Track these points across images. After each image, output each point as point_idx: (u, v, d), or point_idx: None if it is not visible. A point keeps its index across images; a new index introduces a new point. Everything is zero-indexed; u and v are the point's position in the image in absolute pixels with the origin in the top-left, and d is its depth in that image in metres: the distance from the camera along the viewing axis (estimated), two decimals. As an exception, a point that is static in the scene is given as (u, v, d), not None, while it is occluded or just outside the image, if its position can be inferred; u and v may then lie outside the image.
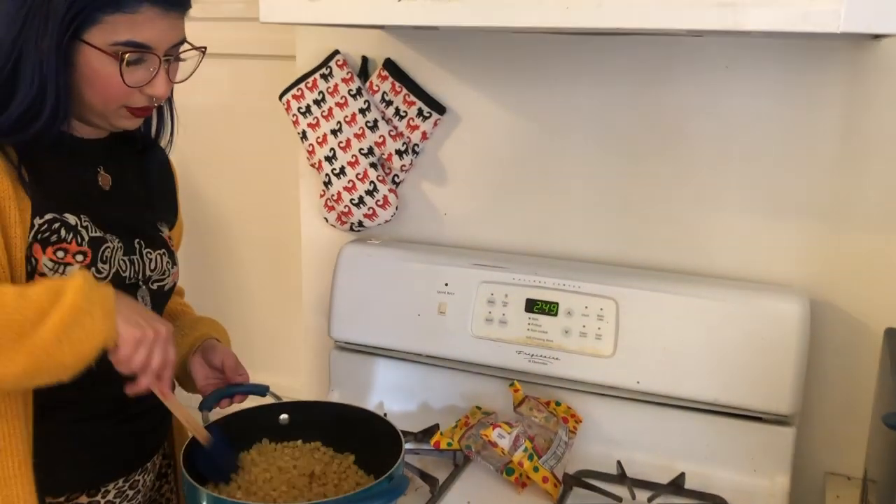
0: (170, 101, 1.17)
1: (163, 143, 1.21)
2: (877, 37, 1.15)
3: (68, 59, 0.98)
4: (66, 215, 1.03)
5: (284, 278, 1.88)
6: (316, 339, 1.65)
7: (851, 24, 0.81)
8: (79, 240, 1.03)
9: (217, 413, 1.16)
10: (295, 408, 1.20)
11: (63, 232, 1.02)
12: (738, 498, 1.21)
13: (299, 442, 1.20)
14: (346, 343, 1.53)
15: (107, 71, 0.99)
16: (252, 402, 1.21)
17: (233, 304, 1.94)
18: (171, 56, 1.04)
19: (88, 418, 1.10)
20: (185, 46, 1.06)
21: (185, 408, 1.07)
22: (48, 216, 1.01)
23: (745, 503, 1.21)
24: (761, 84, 1.28)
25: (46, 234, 1.01)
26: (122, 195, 1.14)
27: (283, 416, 1.20)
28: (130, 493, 1.17)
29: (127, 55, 0.98)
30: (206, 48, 1.08)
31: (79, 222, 1.04)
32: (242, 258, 1.96)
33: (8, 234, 0.98)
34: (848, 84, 1.23)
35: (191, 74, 1.10)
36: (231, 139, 1.90)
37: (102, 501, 1.13)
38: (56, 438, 1.06)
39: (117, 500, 1.15)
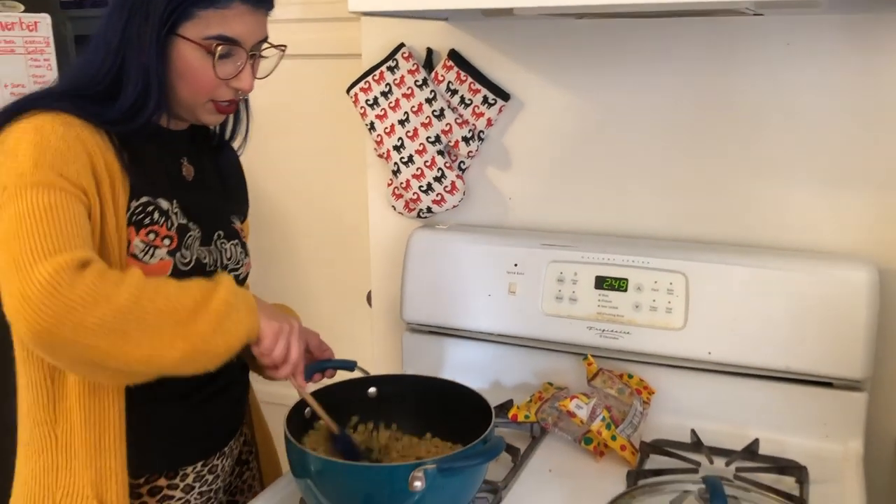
0: (246, 103, 1.23)
1: (236, 145, 1.27)
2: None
3: (164, 53, 1.04)
4: (160, 199, 1.09)
5: (347, 269, 1.93)
6: (386, 323, 1.71)
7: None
8: (168, 224, 1.09)
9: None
10: (382, 381, 1.25)
11: (156, 215, 1.07)
12: (812, 463, 1.24)
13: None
14: (417, 325, 1.58)
15: (199, 63, 1.05)
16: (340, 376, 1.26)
17: (298, 297, 2.00)
18: (256, 52, 1.10)
19: (166, 399, 1.12)
20: (265, 45, 1.12)
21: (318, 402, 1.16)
22: (143, 199, 1.07)
23: (819, 468, 1.23)
24: (823, 58, 1.31)
25: (140, 217, 1.06)
26: (202, 186, 1.19)
27: (372, 390, 1.25)
28: (210, 477, 1.20)
29: (219, 48, 1.04)
30: (285, 46, 1.14)
31: (171, 207, 1.09)
32: (306, 252, 2.02)
33: (118, 216, 1.04)
34: (910, 55, 1.27)
35: (271, 71, 1.16)
36: (291, 137, 1.96)
37: (181, 484, 1.16)
38: (135, 420, 1.09)
39: (196, 484, 1.18)
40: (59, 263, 0.89)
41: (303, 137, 1.96)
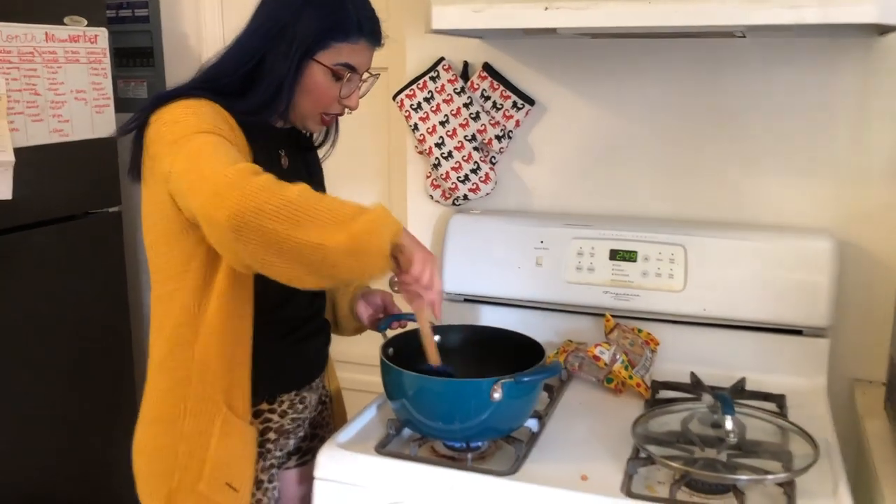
0: (338, 120, 1.47)
1: (322, 152, 1.52)
2: (882, 33, 1.52)
3: (297, 71, 1.29)
4: None
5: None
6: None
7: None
8: None
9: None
10: (447, 330, 1.52)
11: None
12: (788, 394, 1.55)
13: None
14: (455, 294, 1.85)
15: (325, 83, 1.31)
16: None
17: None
18: (363, 79, 1.37)
19: (271, 337, 1.35)
20: (367, 73, 1.38)
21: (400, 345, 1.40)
22: None
23: (794, 397, 1.54)
24: (790, 72, 1.65)
25: None
26: (296, 175, 1.41)
27: (437, 337, 1.51)
28: (300, 406, 1.45)
29: (347, 74, 1.31)
30: (379, 74, 1.40)
31: None
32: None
33: None
34: (859, 68, 1.61)
35: (366, 93, 1.40)
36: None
37: (279, 409, 1.40)
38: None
39: (290, 411, 1.42)
40: (239, 168, 1.10)
41: (351, 140, 2.21)
